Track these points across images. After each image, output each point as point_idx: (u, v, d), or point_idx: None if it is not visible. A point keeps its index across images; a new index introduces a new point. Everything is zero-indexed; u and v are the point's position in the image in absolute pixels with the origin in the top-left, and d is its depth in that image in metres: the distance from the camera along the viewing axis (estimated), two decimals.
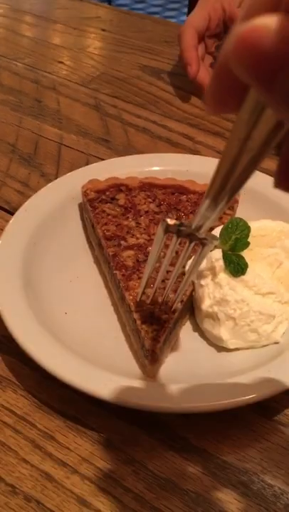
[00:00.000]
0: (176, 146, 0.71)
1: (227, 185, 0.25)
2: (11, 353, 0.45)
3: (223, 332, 0.45)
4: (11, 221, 0.52)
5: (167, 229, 0.34)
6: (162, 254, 0.38)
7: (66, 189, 0.56)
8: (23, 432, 0.41)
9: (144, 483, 0.38)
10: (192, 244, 0.35)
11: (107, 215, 0.52)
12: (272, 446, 0.40)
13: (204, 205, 0.28)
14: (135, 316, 0.43)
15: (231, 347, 0.45)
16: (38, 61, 0.91)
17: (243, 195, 0.54)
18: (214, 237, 0.35)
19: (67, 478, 0.38)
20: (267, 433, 0.41)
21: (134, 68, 0.89)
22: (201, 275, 0.47)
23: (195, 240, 0.35)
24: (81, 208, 0.57)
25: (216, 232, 0.46)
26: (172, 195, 0.54)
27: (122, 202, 0.53)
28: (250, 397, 0.39)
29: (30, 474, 0.39)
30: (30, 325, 0.43)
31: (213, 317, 0.45)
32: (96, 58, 0.92)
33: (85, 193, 0.55)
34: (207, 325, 0.46)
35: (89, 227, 0.54)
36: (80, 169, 0.61)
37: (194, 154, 0.69)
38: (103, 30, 1.02)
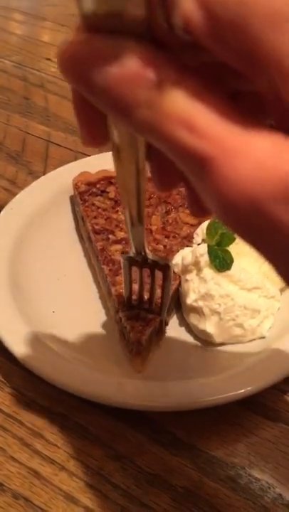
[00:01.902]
0: None
1: (141, 207, 0.28)
2: None
3: (209, 327, 0.45)
4: (1, 213, 0.52)
5: (130, 263, 0.39)
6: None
7: (57, 183, 0.56)
8: (11, 430, 0.41)
9: (133, 479, 0.38)
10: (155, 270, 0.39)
11: (96, 208, 0.52)
12: (260, 441, 0.40)
13: (133, 231, 0.32)
14: (120, 313, 0.43)
15: (217, 341, 0.45)
16: (26, 58, 0.91)
17: None
18: (166, 261, 0.40)
19: (56, 475, 0.38)
20: (254, 428, 0.41)
21: None
22: (186, 270, 0.47)
23: (156, 266, 0.39)
24: (72, 201, 0.57)
25: (203, 226, 0.46)
26: None
27: (112, 195, 0.54)
28: (237, 392, 0.40)
29: (18, 472, 0.38)
30: (17, 325, 0.43)
31: (199, 312, 0.46)
32: None
33: (75, 186, 0.55)
34: (193, 319, 0.46)
35: (80, 221, 0.55)
36: (70, 164, 0.60)
37: None
38: None
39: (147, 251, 0.37)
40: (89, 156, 0.68)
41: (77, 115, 0.22)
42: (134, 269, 0.40)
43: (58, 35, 0.99)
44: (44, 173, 0.65)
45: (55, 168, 0.64)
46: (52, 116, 0.76)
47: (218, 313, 0.45)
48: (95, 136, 0.22)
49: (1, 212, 0.53)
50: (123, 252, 0.40)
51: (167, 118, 0.17)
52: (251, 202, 0.17)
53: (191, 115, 0.17)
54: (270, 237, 0.17)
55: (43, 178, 0.58)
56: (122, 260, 0.39)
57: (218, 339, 0.45)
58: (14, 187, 0.63)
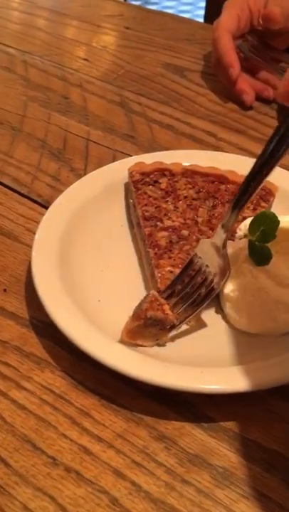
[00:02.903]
0: (199, 143, 0.74)
1: None
2: (48, 336, 0.49)
3: (243, 317, 0.48)
4: (50, 208, 0.56)
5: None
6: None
7: (111, 175, 0.61)
8: (62, 409, 0.44)
9: (175, 458, 0.41)
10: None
11: (148, 196, 0.56)
12: None
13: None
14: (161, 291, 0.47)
15: (250, 332, 0.48)
16: (63, 58, 0.94)
17: (280, 191, 0.57)
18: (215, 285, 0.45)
19: (104, 452, 0.41)
20: (288, 416, 0.44)
21: (157, 66, 0.92)
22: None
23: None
24: (126, 188, 0.61)
25: (246, 222, 0.48)
26: (212, 183, 0.57)
27: (163, 186, 0.57)
28: (272, 380, 0.42)
29: (69, 448, 0.42)
30: (69, 311, 0.46)
31: (234, 302, 0.48)
32: (120, 56, 0.95)
33: (130, 174, 0.59)
34: (228, 309, 0.49)
35: (131, 207, 0.59)
36: (126, 159, 0.64)
37: (217, 151, 0.71)
38: (127, 28, 1.04)
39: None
40: (126, 154, 0.71)
41: None
42: (194, 268, 0.45)
43: (92, 36, 1.03)
44: (85, 170, 0.68)
45: (96, 165, 0.68)
46: (90, 116, 0.79)
47: (253, 305, 0.47)
48: None
49: (53, 204, 0.56)
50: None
51: None
52: None
53: None
54: None
55: (96, 171, 0.62)
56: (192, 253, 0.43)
57: (251, 330, 0.48)
58: (58, 183, 0.66)
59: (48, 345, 0.48)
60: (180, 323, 0.47)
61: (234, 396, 0.43)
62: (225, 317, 0.50)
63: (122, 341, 0.45)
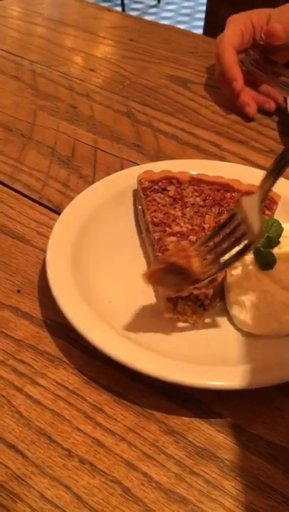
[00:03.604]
0: (204, 153, 0.76)
1: None
2: (62, 336, 0.51)
3: (248, 318, 0.50)
4: (62, 214, 0.58)
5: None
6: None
7: (120, 182, 0.63)
8: (75, 405, 0.46)
9: (184, 451, 0.43)
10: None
11: (157, 203, 0.58)
12: None
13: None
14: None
15: (255, 333, 0.50)
16: (70, 69, 0.97)
17: (283, 199, 0.59)
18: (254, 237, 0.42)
19: (116, 445, 0.43)
20: None
21: (161, 78, 0.95)
22: (232, 266, 0.52)
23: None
24: (135, 195, 0.64)
25: None
26: (218, 191, 0.60)
27: (171, 193, 0.60)
28: (277, 377, 0.44)
29: (83, 441, 0.44)
30: (82, 311, 0.48)
31: (240, 304, 0.51)
32: (125, 67, 0.98)
33: (139, 182, 0.62)
34: (235, 311, 0.51)
35: (140, 213, 0.61)
36: (133, 168, 0.67)
37: (221, 161, 0.74)
38: (131, 40, 1.07)
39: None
40: (133, 162, 0.73)
41: None
42: (231, 225, 0.44)
43: (98, 47, 1.05)
44: (93, 178, 0.70)
45: (104, 173, 0.70)
46: (98, 125, 0.82)
47: (258, 307, 0.50)
48: None
49: (66, 209, 0.58)
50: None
51: None
52: None
53: None
54: None
55: (106, 178, 0.64)
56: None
57: (256, 331, 0.50)
58: (68, 189, 0.68)
59: (62, 344, 0.50)
60: (205, 279, 0.46)
61: (241, 393, 0.45)
62: (231, 319, 0.52)
63: (144, 280, 0.46)
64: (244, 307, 0.50)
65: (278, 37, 0.78)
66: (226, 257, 0.45)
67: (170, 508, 0.40)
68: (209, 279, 0.46)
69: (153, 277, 0.46)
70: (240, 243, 0.44)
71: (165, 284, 0.47)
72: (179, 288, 0.47)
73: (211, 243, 0.46)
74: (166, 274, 0.45)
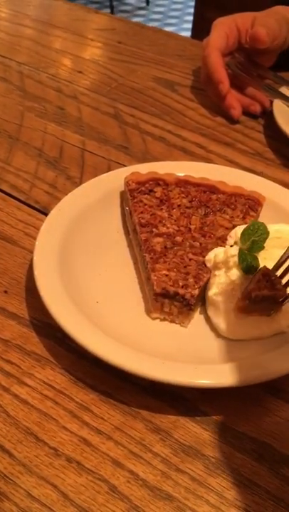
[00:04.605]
0: (190, 155, 0.77)
1: None
2: (49, 336, 0.51)
3: (221, 322, 0.50)
4: (49, 215, 0.58)
5: None
6: None
7: (108, 184, 0.63)
8: (62, 404, 0.46)
9: (170, 449, 0.44)
10: None
11: (144, 204, 0.59)
12: (281, 421, 0.46)
13: None
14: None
15: (227, 336, 0.50)
16: (58, 70, 0.97)
17: (267, 201, 0.60)
18: None
19: (103, 443, 0.44)
20: (276, 410, 0.47)
21: (149, 80, 0.95)
22: (216, 266, 0.52)
23: None
24: (122, 196, 0.64)
25: (236, 230, 0.52)
26: (204, 193, 0.60)
27: (158, 194, 0.61)
28: (260, 375, 0.45)
29: (70, 440, 0.44)
30: (69, 311, 0.49)
31: (216, 306, 0.51)
32: (113, 69, 0.98)
33: (127, 183, 0.62)
34: (210, 312, 0.52)
35: (127, 214, 0.62)
36: (121, 169, 0.67)
37: (207, 162, 0.74)
38: (119, 42, 1.08)
39: None
40: (120, 164, 0.74)
41: None
42: None
43: (86, 49, 1.06)
44: (81, 179, 0.71)
45: (91, 174, 0.71)
46: (85, 126, 0.82)
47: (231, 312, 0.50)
48: None
49: (53, 210, 0.58)
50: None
51: None
52: None
53: None
54: None
55: (93, 180, 0.64)
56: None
57: (228, 335, 0.50)
58: (55, 190, 0.69)
59: (48, 344, 0.51)
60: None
61: (225, 391, 0.45)
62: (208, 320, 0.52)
63: (235, 316, 0.48)
64: (218, 310, 0.50)
65: (262, 41, 0.79)
66: None
67: (156, 505, 0.40)
68: None
69: (244, 311, 0.48)
70: None
71: (258, 311, 0.48)
72: (273, 308, 0.48)
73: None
74: (255, 304, 0.48)
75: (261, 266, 0.50)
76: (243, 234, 0.50)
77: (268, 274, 0.47)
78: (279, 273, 0.48)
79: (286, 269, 0.48)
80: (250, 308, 0.48)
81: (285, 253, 0.48)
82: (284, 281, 0.48)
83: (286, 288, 0.48)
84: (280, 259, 0.48)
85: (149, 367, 0.45)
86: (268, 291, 0.47)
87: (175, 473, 0.42)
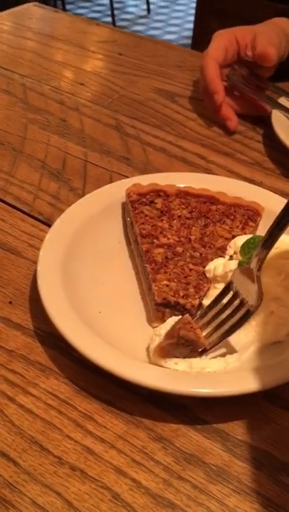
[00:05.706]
0: (190, 165, 0.78)
1: None
2: (52, 346, 0.52)
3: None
4: (53, 226, 0.59)
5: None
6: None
7: (109, 195, 0.65)
8: (66, 413, 0.47)
9: (172, 457, 0.45)
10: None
11: (145, 215, 0.60)
12: (281, 429, 0.47)
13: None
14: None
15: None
16: (60, 83, 0.99)
17: (266, 211, 0.61)
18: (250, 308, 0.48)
19: (106, 452, 0.45)
20: (276, 417, 0.47)
21: (149, 91, 0.97)
22: (215, 279, 0.54)
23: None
24: (124, 207, 0.65)
25: (236, 240, 0.53)
26: (204, 204, 0.62)
27: (159, 206, 0.62)
28: (260, 385, 0.46)
29: (73, 448, 0.45)
30: (72, 322, 0.50)
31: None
32: (114, 81, 1.00)
33: (128, 195, 0.63)
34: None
35: (128, 225, 0.63)
36: (122, 180, 0.68)
37: (207, 173, 0.76)
38: (120, 54, 1.09)
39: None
40: (122, 175, 0.75)
41: None
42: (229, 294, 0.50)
43: (88, 61, 1.08)
44: (84, 190, 0.72)
45: (94, 185, 0.72)
46: (87, 138, 0.83)
47: None
48: None
49: (56, 222, 0.59)
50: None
51: None
52: None
53: None
54: None
55: (95, 191, 0.65)
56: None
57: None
58: (58, 202, 0.70)
59: (52, 354, 0.52)
60: (211, 348, 0.49)
61: (226, 400, 0.46)
62: None
63: (152, 360, 0.48)
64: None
65: (272, 60, 0.83)
66: (226, 326, 0.49)
67: None
68: (214, 348, 0.50)
69: (164, 351, 0.48)
70: (238, 312, 0.49)
71: (176, 356, 0.49)
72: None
73: (211, 314, 0.51)
74: (177, 347, 0.48)
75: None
76: (243, 247, 0.51)
77: (190, 322, 0.49)
78: (203, 322, 0.51)
79: (211, 318, 0.50)
80: (170, 351, 0.48)
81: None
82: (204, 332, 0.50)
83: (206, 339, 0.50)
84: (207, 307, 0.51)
85: (150, 376, 0.46)
86: (193, 335, 0.48)
87: (177, 480, 0.43)
